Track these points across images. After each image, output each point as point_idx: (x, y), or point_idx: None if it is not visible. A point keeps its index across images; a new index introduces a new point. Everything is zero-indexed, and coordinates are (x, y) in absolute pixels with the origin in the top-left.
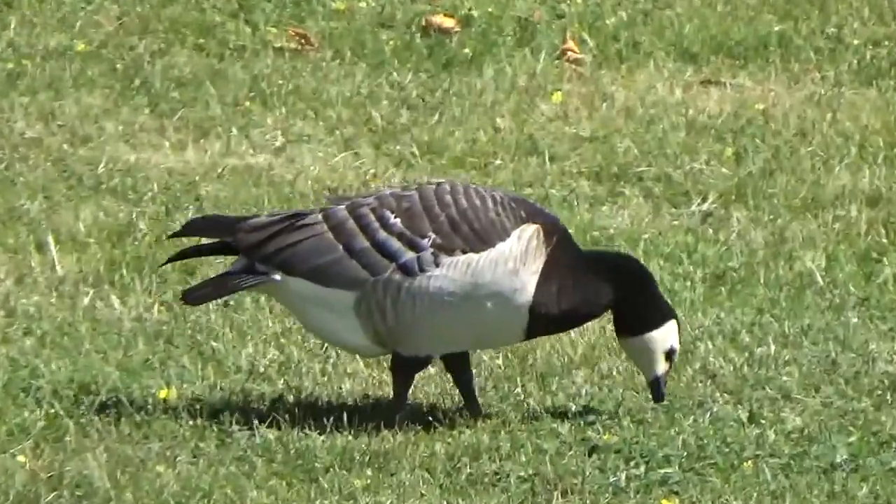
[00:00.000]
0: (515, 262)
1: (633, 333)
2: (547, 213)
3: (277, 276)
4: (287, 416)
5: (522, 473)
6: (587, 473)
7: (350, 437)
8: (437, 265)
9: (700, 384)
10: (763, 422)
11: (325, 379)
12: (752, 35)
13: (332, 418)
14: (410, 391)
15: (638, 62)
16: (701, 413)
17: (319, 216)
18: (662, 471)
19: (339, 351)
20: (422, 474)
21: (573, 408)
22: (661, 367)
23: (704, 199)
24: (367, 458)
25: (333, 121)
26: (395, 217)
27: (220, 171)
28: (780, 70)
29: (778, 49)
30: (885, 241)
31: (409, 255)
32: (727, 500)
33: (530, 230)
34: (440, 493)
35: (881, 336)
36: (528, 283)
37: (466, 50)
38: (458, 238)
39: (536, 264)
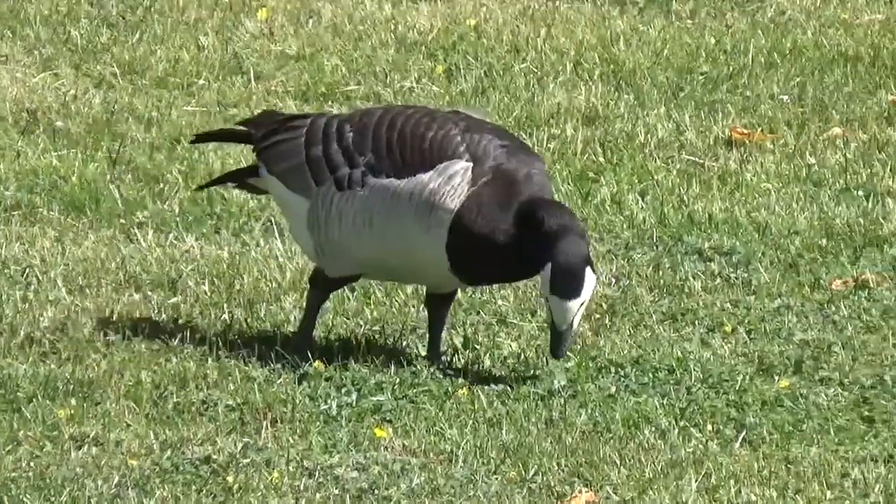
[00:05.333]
0: (431, 197)
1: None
2: (517, 158)
3: (264, 171)
4: None
5: (231, 402)
6: (297, 401)
7: (53, 366)
8: (363, 185)
9: (412, 308)
10: (478, 347)
11: (26, 306)
12: None
13: (34, 346)
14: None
15: None
16: (414, 339)
17: (308, 120)
18: (375, 398)
19: (42, 277)
20: (127, 404)
21: (281, 334)
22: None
23: None
24: (72, 387)
25: (31, 40)
26: (350, 131)
27: None
28: None
29: None
30: (601, 159)
31: (345, 170)
32: (442, 427)
33: (456, 167)
34: (146, 423)
35: (599, 257)
36: (443, 221)
37: None
38: (387, 161)
39: (453, 203)
